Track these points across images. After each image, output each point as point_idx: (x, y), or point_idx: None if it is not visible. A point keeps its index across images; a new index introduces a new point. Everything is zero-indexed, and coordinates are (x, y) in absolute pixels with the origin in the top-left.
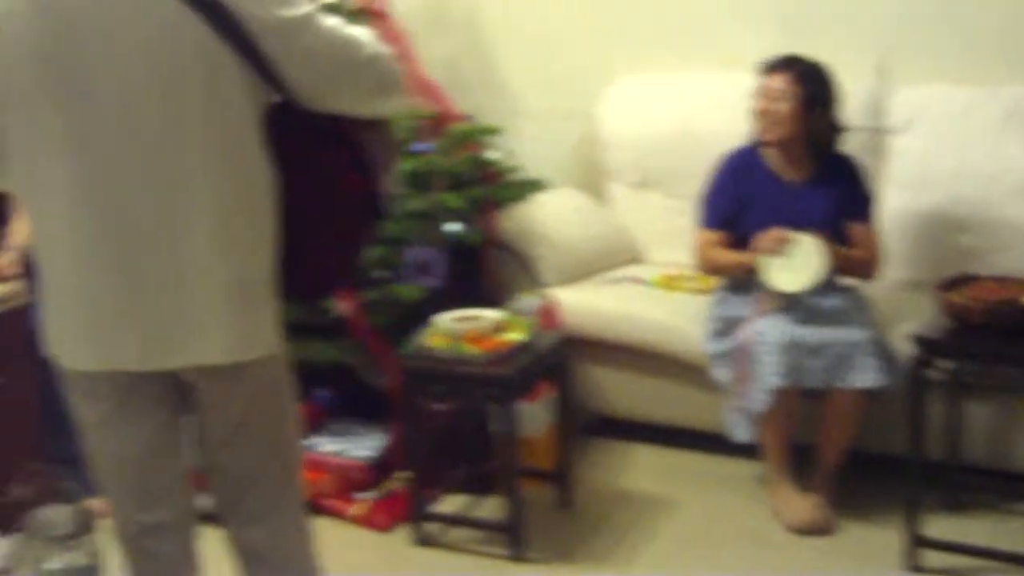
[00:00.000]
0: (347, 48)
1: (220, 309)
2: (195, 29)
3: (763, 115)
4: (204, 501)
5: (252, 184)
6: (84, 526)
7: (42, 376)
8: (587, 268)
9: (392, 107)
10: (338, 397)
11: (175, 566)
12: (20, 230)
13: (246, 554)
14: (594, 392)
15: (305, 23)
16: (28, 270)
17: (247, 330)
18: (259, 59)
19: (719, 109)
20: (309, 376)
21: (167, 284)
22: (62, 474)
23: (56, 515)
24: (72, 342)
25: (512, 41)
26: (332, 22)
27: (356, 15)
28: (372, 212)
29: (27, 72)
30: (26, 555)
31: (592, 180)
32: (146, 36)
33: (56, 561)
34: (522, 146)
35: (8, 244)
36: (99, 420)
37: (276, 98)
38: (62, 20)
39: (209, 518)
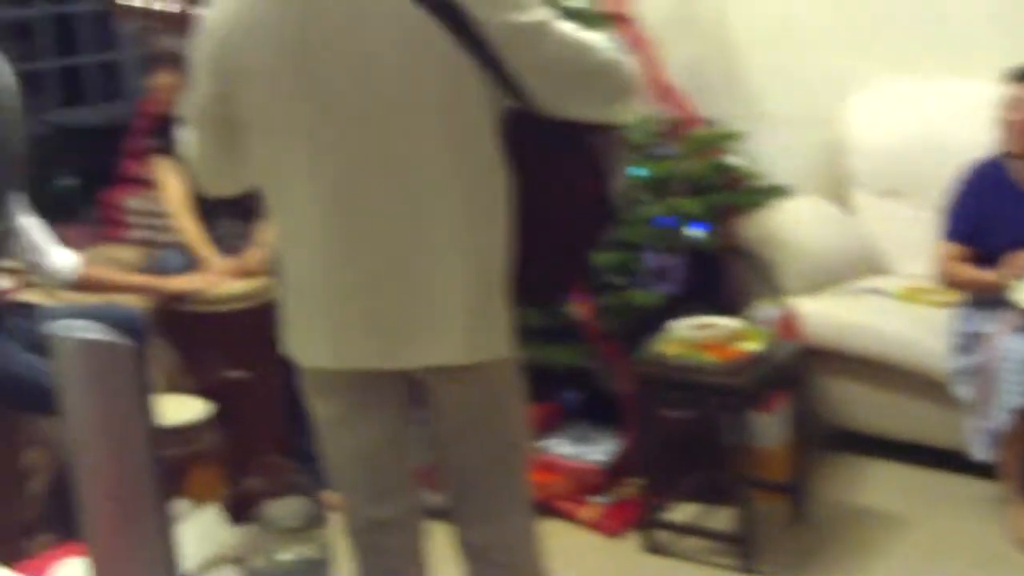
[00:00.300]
0: (581, 54)
1: (457, 311)
2: (435, 35)
3: (1011, 126)
4: (432, 498)
5: (489, 188)
6: (316, 519)
7: (286, 373)
8: (828, 278)
9: (625, 112)
10: (574, 400)
11: (402, 561)
12: (268, 227)
13: (472, 552)
14: (832, 405)
15: (540, 29)
16: (274, 268)
17: (482, 332)
18: (496, 65)
19: (970, 117)
20: (545, 379)
21: (406, 285)
22: (298, 468)
23: (290, 508)
24: (311, 340)
25: (758, 45)
26: (567, 27)
27: (601, 20)
28: (604, 215)
29: (273, 78)
30: (259, 545)
31: (836, 188)
32: (387, 43)
33: (288, 552)
34: (764, 152)
35: (256, 240)
36: (334, 417)
37: (512, 103)
38: (307, 27)
39: (437, 515)
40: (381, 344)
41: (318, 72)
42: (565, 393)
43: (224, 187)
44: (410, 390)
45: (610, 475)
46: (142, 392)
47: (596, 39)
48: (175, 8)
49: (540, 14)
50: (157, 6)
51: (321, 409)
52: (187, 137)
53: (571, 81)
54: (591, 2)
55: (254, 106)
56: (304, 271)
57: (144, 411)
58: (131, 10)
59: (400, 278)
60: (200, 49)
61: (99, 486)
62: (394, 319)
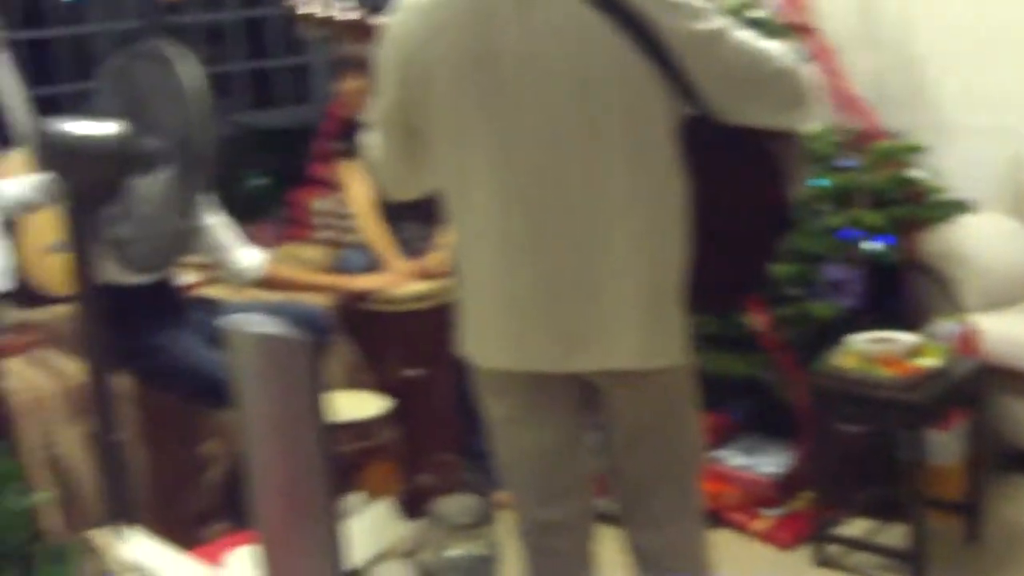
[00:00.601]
0: (757, 61)
1: (633, 316)
2: (615, 43)
3: None
4: (604, 503)
5: (667, 194)
6: (486, 517)
7: (462, 373)
8: (1012, 295)
9: (803, 120)
10: (748, 411)
11: (571, 564)
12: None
13: (643, 558)
14: (1009, 423)
15: (718, 37)
16: (455, 270)
17: (658, 338)
18: (676, 72)
19: None
20: (719, 388)
21: (584, 289)
22: (470, 466)
23: (460, 505)
24: (488, 341)
25: (943, 57)
26: (744, 36)
27: (784, 31)
28: (781, 224)
29: (456, 85)
30: (429, 541)
31: (1020, 204)
32: (569, 50)
33: (457, 548)
34: (947, 166)
35: (438, 243)
36: (507, 417)
37: (690, 110)
38: (490, 34)
39: (607, 519)
40: (557, 347)
41: (502, 80)
42: (738, 403)
43: (406, 192)
44: (585, 395)
45: (782, 487)
46: (316, 387)
47: (773, 47)
48: (354, 17)
49: (718, 22)
50: (337, 15)
51: (495, 409)
52: (372, 142)
53: (747, 88)
54: (774, 13)
55: (437, 112)
56: (483, 273)
57: (317, 406)
58: (311, 19)
59: (577, 282)
60: (385, 57)
61: (271, 478)
62: (570, 323)
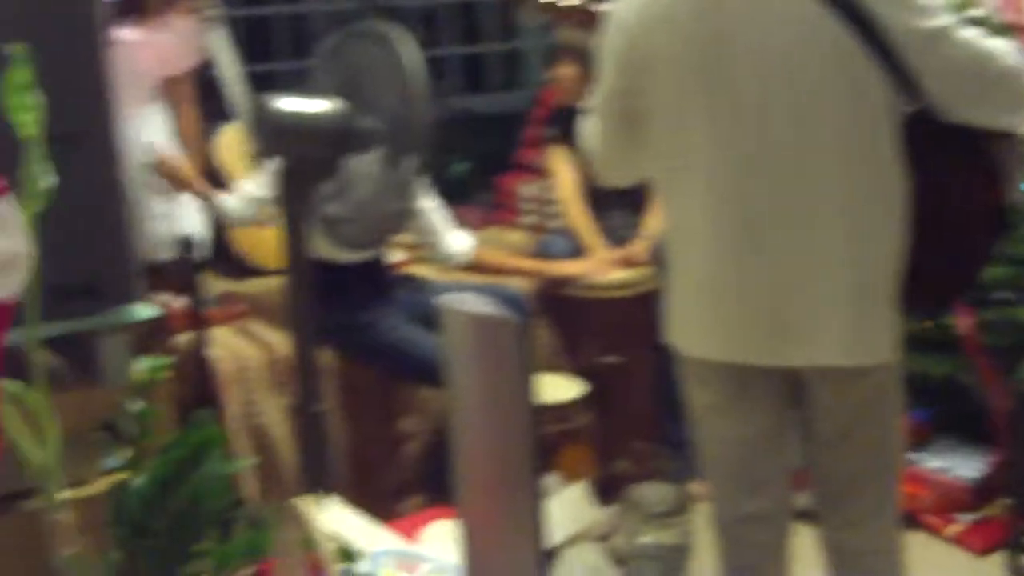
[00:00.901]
0: (982, 60)
1: (844, 312)
2: (840, 37)
3: None
4: (800, 499)
5: (884, 190)
6: (681, 506)
7: (661, 361)
8: None
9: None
10: (946, 413)
11: (766, 557)
12: (655, 219)
13: (838, 556)
14: None
15: (944, 34)
16: (658, 258)
17: (868, 335)
18: (899, 69)
19: None
20: (919, 389)
21: (796, 282)
22: (667, 455)
23: (656, 493)
24: (695, 330)
25: None
26: (969, 34)
27: (1004, 30)
28: (998, 227)
29: (678, 73)
30: (622, 527)
31: None
32: (794, 43)
33: (650, 536)
34: None
35: (642, 232)
36: (711, 408)
37: (911, 107)
38: (716, 24)
39: (803, 516)
40: (765, 339)
41: (724, 69)
42: (936, 405)
43: (621, 178)
44: (790, 388)
45: (978, 492)
46: (526, 368)
47: (1000, 47)
48: (577, 2)
49: (944, 19)
50: (562, 1)
51: (699, 398)
52: (589, 128)
53: (971, 87)
54: (993, 12)
55: (658, 100)
56: (693, 262)
57: (526, 387)
58: (534, 3)
59: (789, 276)
60: (607, 43)
61: (476, 455)
62: (780, 316)
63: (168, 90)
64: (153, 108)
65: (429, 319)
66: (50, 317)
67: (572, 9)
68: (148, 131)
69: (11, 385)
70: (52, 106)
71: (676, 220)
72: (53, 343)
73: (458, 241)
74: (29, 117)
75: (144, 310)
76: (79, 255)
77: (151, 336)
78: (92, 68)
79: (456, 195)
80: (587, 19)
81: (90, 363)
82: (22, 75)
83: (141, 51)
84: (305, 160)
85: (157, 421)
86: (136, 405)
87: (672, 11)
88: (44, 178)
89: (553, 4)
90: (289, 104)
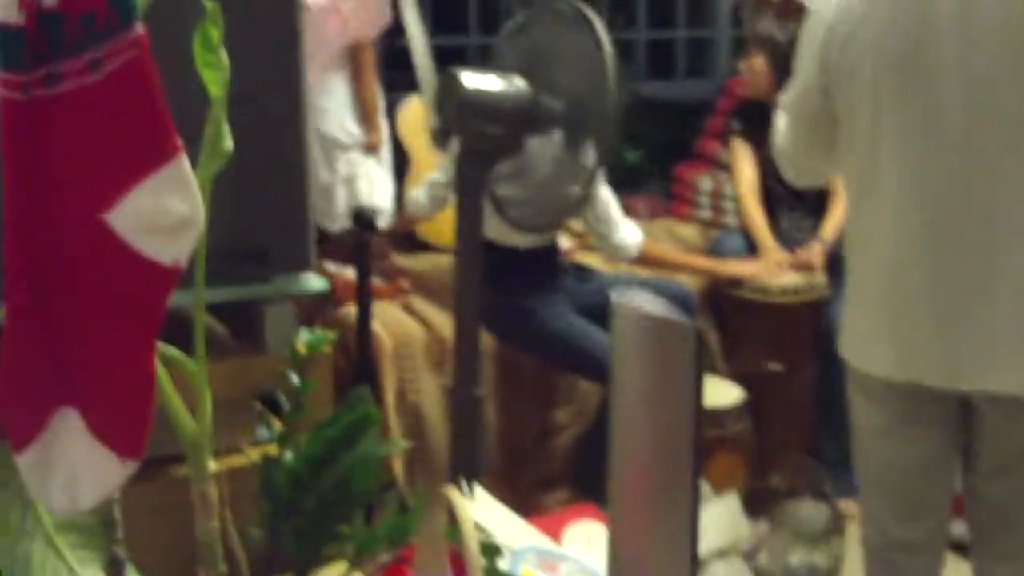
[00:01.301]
0: None
1: None
2: None
3: None
4: (956, 527)
5: None
6: (834, 527)
7: (825, 373)
8: None
9: None
10: None
11: None
12: (832, 224)
13: None
14: None
15: None
16: (832, 265)
17: None
18: None
19: None
20: None
21: (978, 304)
22: (823, 472)
23: (808, 511)
24: (872, 345)
25: None
26: None
27: None
28: None
29: (877, 76)
30: (770, 544)
31: None
32: (1006, 50)
33: (797, 555)
34: None
35: (818, 236)
36: (878, 428)
37: None
38: (928, 24)
39: (957, 547)
40: (946, 362)
41: (928, 72)
42: None
43: (808, 178)
44: (960, 414)
45: None
46: (696, 373)
47: None
48: None
49: None
50: None
51: (865, 417)
52: (781, 125)
53: None
54: None
55: (856, 101)
56: (874, 273)
57: (695, 392)
58: None
59: (975, 297)
60: (809, 39)
61: (634, 458)
62: (959, 338)
63: (351, 57)
64: (336, 76)
65: (594, 311)
66: (219, 281)
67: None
68: (329, 98)
69: (169, 350)
70: (235, 65)
71: (860, 226)
72: (220, 307)
73: (629, 233)
74: (216, 76)
75: (314, 281)
76: (253, 220)
77: (318, 306)
78: (280, 29)
79: (630, 182)
80: (786, 9)
81: (254, 330)
82: (213, 32)
83: (327, 17)
84: (485, 138)
85: (314, 396)
86: (294, 378)
87: (879, 9)
88: (225, 139)
89: None
90: (471, 81)
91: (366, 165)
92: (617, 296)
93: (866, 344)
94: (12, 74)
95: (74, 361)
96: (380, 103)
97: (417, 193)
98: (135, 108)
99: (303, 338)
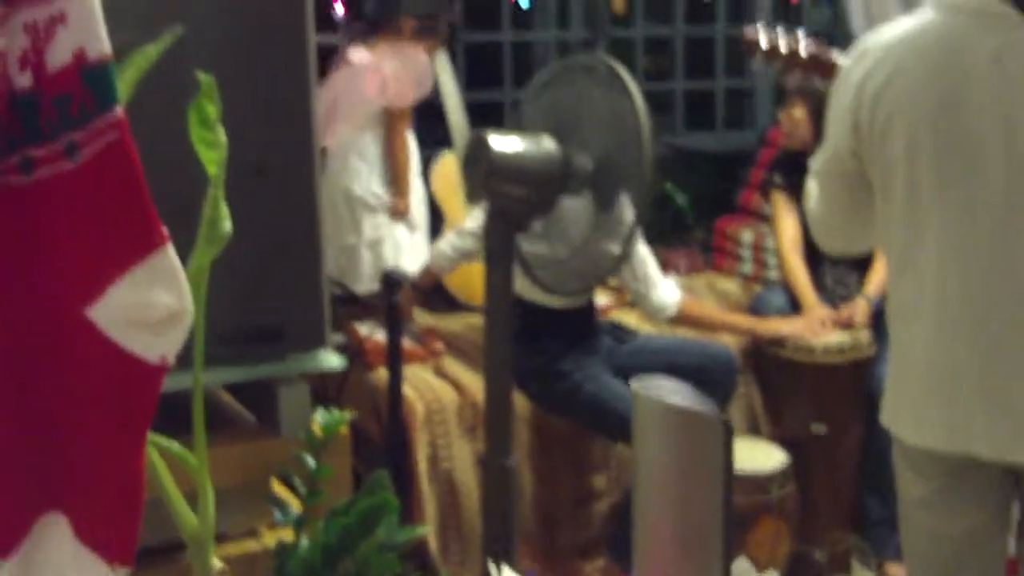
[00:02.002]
0: None
1: None
2: None
3: None
4: None
5: None
6: None
7: (870, 435)
8: None
9: None
10: None
11: None
12: (876, 280)
13: None
14: None
15: None
16: (877, 322)
17: None
18: None
19: None
20: None
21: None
22: (867, 547)
23: None
24: (917, 415)
25: None
26: None
27: None
28: None
29: (912, 137)
30: None
31: None
32: None
33: None
34: None
35: (862, 293)
36: (924, 498)
37: None
38: (962, 83)
39: None
40: (997, 432)
41: (964, 131)
42: None
43: (842, 246)
44: (1011, 484)
45: None
46: (724, 466)
47: None
48: (805, 51)
49: None
50: (784, 47)
51: (911, 488)
52: (811, 189)
53: None
54: None
55: (890, 164)
56: (917, 340)
57: (723, 484)
58: (757, 46)
59: (1017, 362)
60: (838, 101)
61: (661, 549)
62: (1010, 409)
63: (386, 119)
64: (369, 135)
65: (632, 373)
66: (231, 360)
67: (797, 57)
68: (360, 158)
69: (169, 444)
70: (246, 136)
71: (902, 298)
72: (233, 386)
73: (667, 293)
74: (214, 154)
75: (331, 358)
76: (266, 296)
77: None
78: (293, 99)
79: (668, 235)
80: (816, 68)
81: (270, 409)
82: (210, 108)
83: (368, 75)
84: (515, 200)
85: (332, 478)
86: (310, 461)
87: (911, 68)
88: (224, 221)
89: (776, 51)
90: (499, 143)
91: (392, 229)
92: (638, 385)
93: (910, 415)
94: None
95: (58, 462)
96: (413, 164)
97: (443, 245)
98: (116, 195)
99: (319, 418)
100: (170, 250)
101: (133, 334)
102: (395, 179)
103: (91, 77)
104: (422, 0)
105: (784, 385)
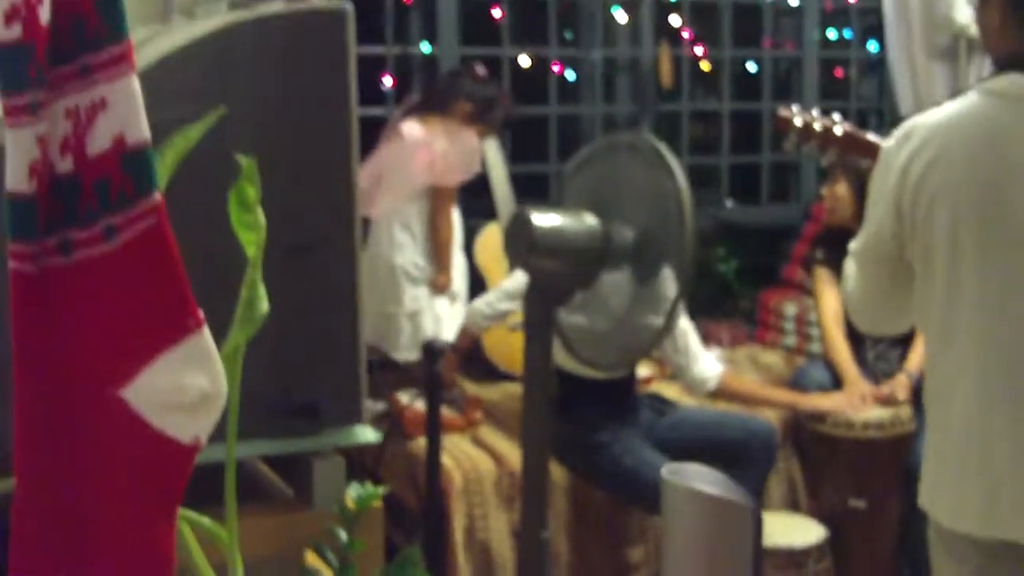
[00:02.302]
0: None
1: None
2: None
3: None
4: None
5: None
6: None
7: (910, 511)
8: None
9: None
10: None
11: None
12: (917, 356)
13: None
14: None
15: None
16: (918, 398)
17: None
18: None
19: None
20: None
21: None
22: None
23: None
24: (956, 498)
25: None
26: None
27: None
28: None
29: (959, 214)
30: None
31: None
32: None
33: None
34: None
35: (905, 368)
36: None
37: None
38: (1006, 167)
39: None
40: None
41: (1007, 215)
42: None
43: (881, 327)
44: None
45: None
46: (755, 555)
47: None
48: (840, 130)
49: None
50: (818, 125)
51: (946, 570)
52: (849, 270)
53: None
54: None
55: (930, 249)
56: (955, 423)
57: (753, 571)
58: (791, 125)
59: None
60: (880, 184)
61: None
62: None
63: (432, 194)
64: (414, 208)
65: (672, 446)
66: (267, 434)
67: (832, 136)
68: (404, 231)
69: (195, 516)
70: (288, 212)
71: (940, 379)
72: (267, 458)
73: (708, 366)
74: (253, 236)
75: (366, 433)
76: (303, 372)
77: (387, 439)
78: (336, 178)
79: (715, 307)
80: (848, 147)
81: (303, 481)
82: (249, 191)
83: (418, 150)
84: (555, 277)
85: (365, 552)
86: (343, 535)
87: (954, 150)
88: (262, 302)
89: (811, 130)
90: (540, 220)
91: (432, 301)
92: (667, 472)
93: (948, 498)
94: (23, 244)
95: (87, 539)
96: (456, 238)
97: (480, 304)
98: (152, 279)
99: (352, 492)
100: (205, 333)
101: (166, 415)
102: (437, 255)
103: (130, 162)
104: (480, 86)
105: (823, 459)
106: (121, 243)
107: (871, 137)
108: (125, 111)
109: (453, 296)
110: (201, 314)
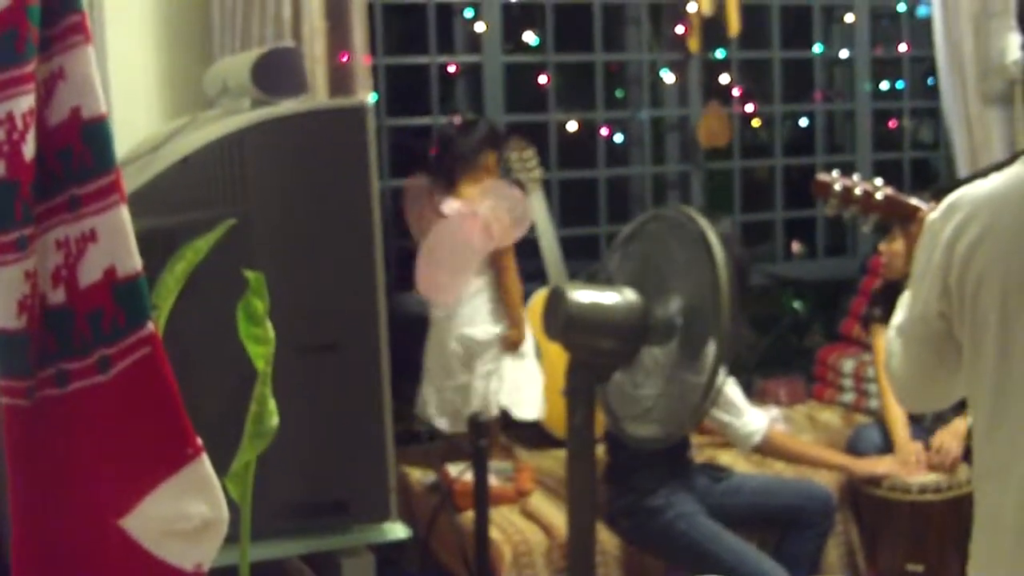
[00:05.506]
0: None
1: None
2: None
3: None
4: None
5: None
6: None
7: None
8: None
9: None
10: None
11: None
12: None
13: None
14: None
15: None
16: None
17: None
18: None
19: None
20: None
21: None
22: None
23: None
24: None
25: None
26: None
27: None
28: None
29: (1008, 291)
30: None
31: None
32: None
33: None
34: None
35: (952, 431)
36: None
37: None
38: None
39: None
40: None
41: None
42: None
43: (925, 406)
44: None
45: None
46: None
47: None
48: (880, 195)
49: None
50: (859, 190)
51: None
52: (893, 347)
53: None
54: None
55: (978, 326)
56: (1009, 506)
57: None
58: (831, 189)
59: None
60: (925, 259)
61: None
62: None
63: (492, 260)
64: (479, 279)
65: (728, 513)
66: (297, 533)
67: (873, 201)
68: (470, 303)
69: None
70: (311, 313)
71: (992, 457)
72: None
73: (753, 420)
74: (261, 350)
75: (396, 529)
76: (333, 471)
77: (436, 512)
78: (361, 278)
79: (772, 364)
80: (890, 212)
81: None
82: (258, 304)
83: (465, 222)
84: (596, 352)
85: None
86: None
87: (995, 230)
88: (272, 417)
89: (851, 194)
90: (579, 297)
91: (502, 363)
92: None
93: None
94: (14, 380)
95: None
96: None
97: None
98: (148, 409)
99: None
100: (204, 460)
101: (167, 544)
102: (510, 311)
103: (122, 293)
104: (468, 129)
105: (880, 523)
106: (115, 373)
107: (914, 201)
108: (114, 244)
109: (522, 353)
110: (199, 441)
